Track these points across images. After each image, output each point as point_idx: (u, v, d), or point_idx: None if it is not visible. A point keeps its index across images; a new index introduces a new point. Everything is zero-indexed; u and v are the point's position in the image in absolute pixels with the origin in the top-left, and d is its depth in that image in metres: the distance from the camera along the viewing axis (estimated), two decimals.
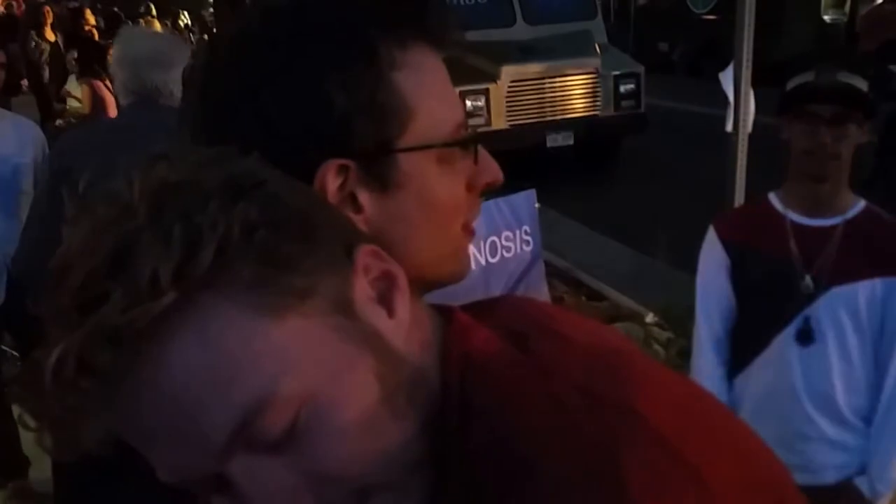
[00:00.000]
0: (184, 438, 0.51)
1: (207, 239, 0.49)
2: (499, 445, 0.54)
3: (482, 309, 0.67)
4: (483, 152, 0.70)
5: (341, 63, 0.63)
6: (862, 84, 1.74)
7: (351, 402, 0.53)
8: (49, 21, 9.00)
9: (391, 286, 0.59)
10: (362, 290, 0.57)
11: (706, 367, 1.94)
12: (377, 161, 0.65)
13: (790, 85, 1.79)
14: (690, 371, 1.99)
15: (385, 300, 0.59)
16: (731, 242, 1.90)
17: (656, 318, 4.32)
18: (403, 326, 0.59)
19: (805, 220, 1.82)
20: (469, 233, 0.72)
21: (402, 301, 0.59)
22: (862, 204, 1.84)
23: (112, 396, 0.50)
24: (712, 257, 1.93)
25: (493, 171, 0.71)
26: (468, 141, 0.69)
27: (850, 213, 1.82)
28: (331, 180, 0.64)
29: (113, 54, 2.41)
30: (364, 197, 0.65)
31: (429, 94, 0.67)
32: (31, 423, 0.52)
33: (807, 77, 1.76)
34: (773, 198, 1.89)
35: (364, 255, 0.58)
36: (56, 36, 8.99)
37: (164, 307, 0.48)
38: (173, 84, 2.37)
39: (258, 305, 0.51)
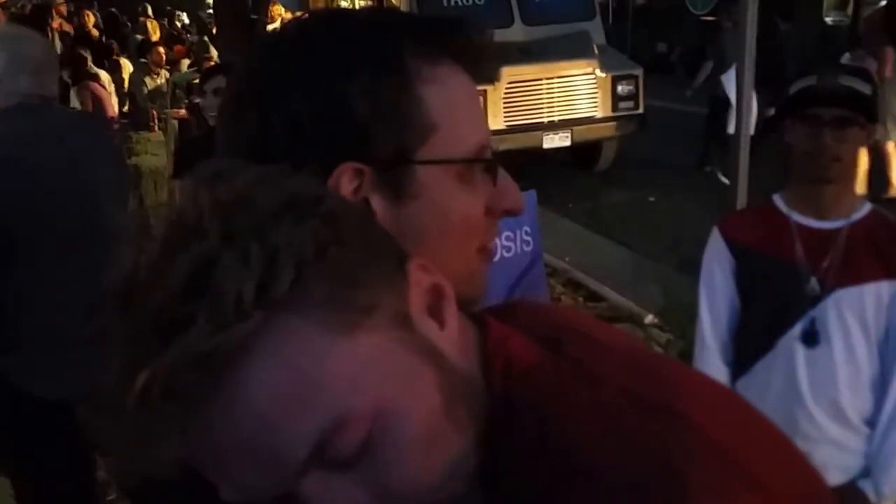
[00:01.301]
0: (260, 458, 0.51)
1: (285, 258, 0.50)
2: (550, 451, 0.55)
3: (501, 314, 0.67)
4: (508, 179, 0.71)
5: (369, 70, 0.65)
6: (864, 87, 1.75)
7: (418, 415, 0.54)
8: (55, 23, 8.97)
9: (440, 298, 0.60)
10: (416, 303, 0.58)
11: (709, 368, 1.93)
12: (394, 169, 0.65)
13: (793, 89, 1.80)
14: None
15: (435, 312, 0.59)
16: (735, 244, 1.90)
17: (655, 320, 4.32)
18: (454, 337, 0.59)
19: (810, 222, 1.82)
20: (486, 256, 0.71)
21: (451, 312, 0.60)
22: (868, 206, 1.85)
23: (192, 419, 0.50)
24: (717, 258, 1.93)
25: (514, 197, 0.71)
26: (487, 161, 0.69)
27: (856, 216, 1.82)
28: (345, 183, 0.64)
29: (1, 58, 2.23)
30: (377, 203, 0.65)
31: (454, 111, 0.67)
32: (104, 449, 0.51)
33: (809, 80, 1.77)
34: (778, 199, 1.88)
35: (415, 268, 0.59)
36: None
37: (252, 329, 0.48)
38: (54, 86, 2.34)
39: (330, 323, 0.52)
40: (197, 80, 8.90)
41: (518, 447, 0.56)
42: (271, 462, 0.51)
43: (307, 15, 0.72)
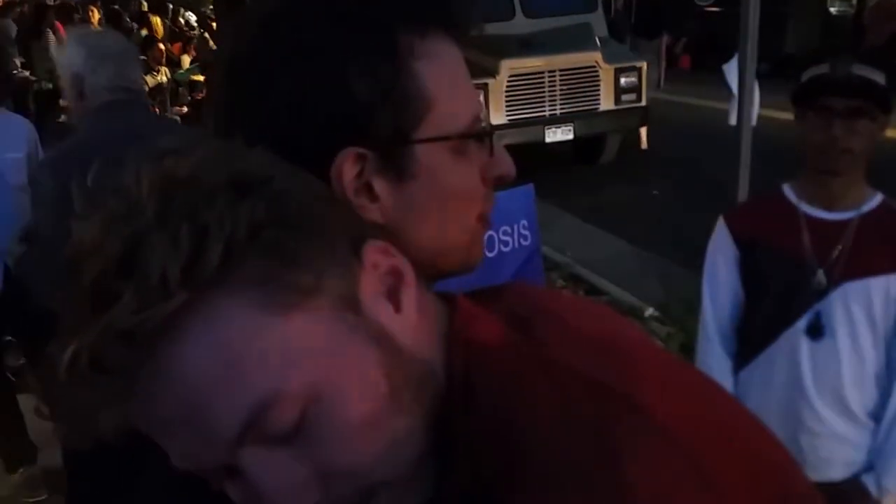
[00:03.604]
0: (195, 431, 0.52)
1: (214, 238, 0.50)
2: (501, 432, 0.55)
3: (488, 295, 0.68)
4: (498, 146, 0.71)
5: (363, 52, 0.64)
6: (879, 77, 1.71)
7: (356, 396, 0.54)
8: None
9: (399, 282, 0.60)
10: (370, 286, 0.58)
11: (712, 360, 1.91)
12: (395, 151, 0.65)
13: (805, 76, 1.76)
14: (695, 364, 1.94)
15: (392, 295, 0.59)
16: (741, 234, 1.87)
17: (656, 313, 4.29)
18: (410, 321, 0.59)
19: (819, 213, 1.79)
20: (485, 223, 0.72)
21: (409, 296, 0.60)
22: (878, 198, 1.82)
23: (125, 391, 0.51)
24: (721, 249, 1.90)
25: (505, 163, 0.71)
26: (484, 134, 0.69)
27: (865, 207, 1.79)
28: (348, 169, 0.64)
29: (79, 54, 2.31)
30: (380, 186, 0.65)
31: (447, 84, 0.67)
32: (46, 411, 0.53)
33: (822, 69, 1.73)
34: (788, 190, 1.86)
35: (372, 251, 0.59)
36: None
37: (174, 308, 0.49)
38: (140, 77, 2.44)
39: (264, 303, 0.52)
40: (200, 77, 8.92)
41: (473, 429, 0.56)
42: (206, 435, 0.52)
43: None
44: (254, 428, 0.52)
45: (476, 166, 0.69)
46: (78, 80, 2.32)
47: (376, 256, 0.59)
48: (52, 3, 9.94)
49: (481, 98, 7.22)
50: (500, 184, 0.72)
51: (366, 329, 0.56)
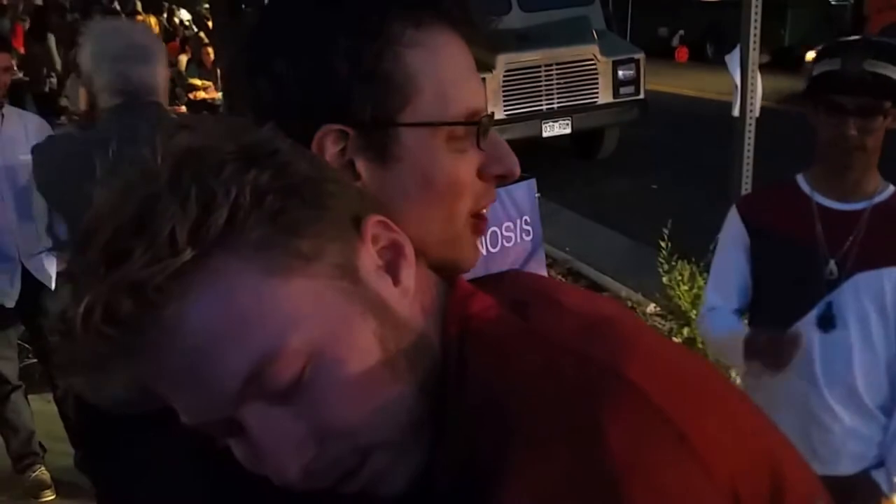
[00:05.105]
0: (201, 384, 0.56)
1: (221, 202, 0.54)
2: (491, 405, 0.57)
3: (488, 282, 0.69)
4: (502, 143, 0.72)
5: (351, 33, 0.66)
6: (892, 72, 1.66)
7: (352, 360, 0.57)
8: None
9: (397, 255, 0.63)
10: (368, 257, 0.61)
11: (722, 321, 1.87)
12: (377, 132, 0.66)
13: (816, 71, 1.73)
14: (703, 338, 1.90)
15: (391, 268, 0.62)
16: (753, 223, 1.86)
17: (657, 309, 4.27)
18: (408, 294, 0.62)
19: (832, 204, 1.78)
20: (480, 220, 0.72)
21: (408, 270, 0.63)
22: (891, 189, 1.81)
23: (136, 344, 0.54)
24: (732, 234, 1.89)
25: (507, 163, 0.71)
26: (471, 124, 0.69)
27: (878, 198, 1.78)
28: (329, 145, 0.66)
29: (86, 53, 2.22)
30: (361, 165, 0.67)
31: (441, 74, 0.68)
32: (66, 369, 0.56)
33: (833, 64, 1.69)
34: (801, 180, 1.84)
35: (372, 224, 0.62)
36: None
37: (181, 264, 0.53)
38: (159, 79, 2.26)
39: (266, 266, 0.55)
40: (197, 81, 8.88)
41: (465, 403, 0.59)
42: (211, 388, 0.55)
43: None
44: (255, 382, 0.55)
45: (472, 160, 0.69)
46: (87, 80, 2.26)
47: (377, 230, 0.62)
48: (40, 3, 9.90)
49: None
50: (503, 182, 0.72)
51: (363, 297, 0.59)
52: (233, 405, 0.56)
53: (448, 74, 0.68)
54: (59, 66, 8.52)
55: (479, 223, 0.72)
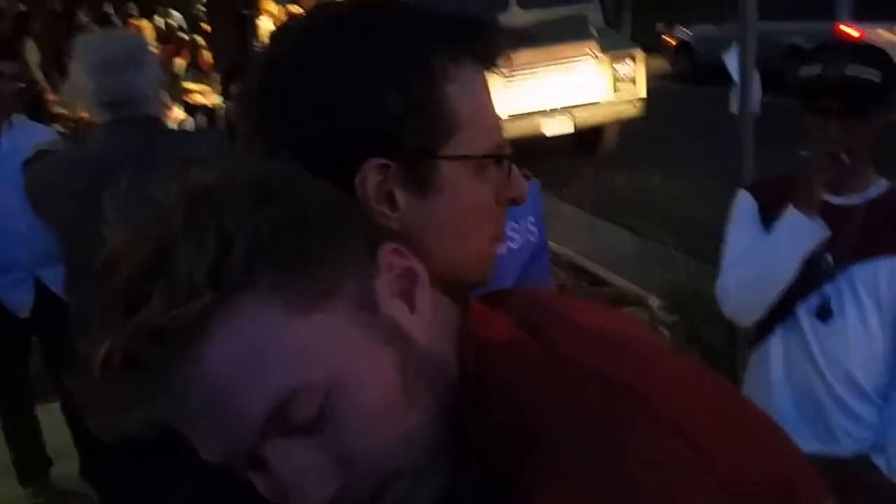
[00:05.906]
0: (223, 424, 0.56)
1: (238, 242, 0.54)
2: (511, 423, 0.57)
3: (496, 299, 0.70)
4: (513, 168, 0.74)
5: (398, 67, 0.67)
6: (874, 76, 1.70)
7: (372, 390, 0.57)
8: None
9: (413, 282, 0.63)
10: (385, 286, 0.61)
11: (747, 226, 1.87)
12: (420, 165, 0.68)
13: (802, 73, 1.78)
14: (719, 283, 1.90)
15: (407, 295, 0.62)
16: (763, 205, 1.88)
17: (661, 303, 4.28)
18: (424, 320, 0.62)
19: (828, 198, 1.80)
20: (499, 242, 0.75)
21: (423, 296, 0.63)
22: (885, 184, 1.84)
23: (156, 386, 0.55)
24: (744, 212, 1.90)
25: (519, 187, 0.75)
26: (505, 157, 0.73)
27: (873, 193, 1.82)
28: (371, 177, 0.67)
29: (74, 68, 2.13)
30: (401, 196, 0.68)
31: (476, 109, 0.71)
32: (85, 409, 0.56)
33: (815, 69, 1.75)
34: (801, 174, 1.85)
35: (388, 253, 0.62)
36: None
37: (201, 307, 0.53)
38: (146, 87, 2.15)
39: (286, 304, 0.55)
40: (193, 85, 8.86)
41: (486, 424, 0.59)
42: (229, 429, 0.56)
43: (335, 5, 0.74)
44: (277, 419, 0.55)
45: (492, 187, 0.72)
46: (77, 95, 2.18)
47: (391, 258, 0.62)
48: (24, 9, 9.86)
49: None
50: (513, 205, 0.75)
51: (381, 328, 0.59)
52: (255, 442, 0.57)
53: (480, 109, 0.72)
54: (37, 74, 8.38)
55: (497, 242, 0.75)
